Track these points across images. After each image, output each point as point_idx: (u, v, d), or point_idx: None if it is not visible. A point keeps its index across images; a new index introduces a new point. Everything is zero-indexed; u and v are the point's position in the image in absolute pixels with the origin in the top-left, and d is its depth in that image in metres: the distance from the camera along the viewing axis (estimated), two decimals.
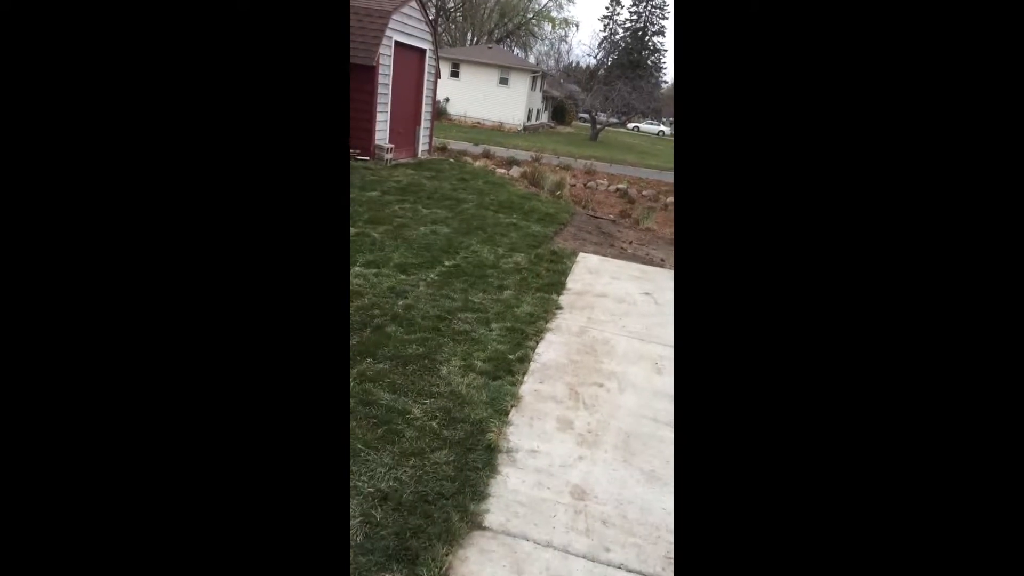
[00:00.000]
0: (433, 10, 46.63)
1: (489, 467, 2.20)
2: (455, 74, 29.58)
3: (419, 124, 10.88)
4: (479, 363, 3.02)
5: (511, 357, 3.14)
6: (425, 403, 2.57)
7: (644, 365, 3.30)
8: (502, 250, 5.20)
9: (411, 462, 2.16)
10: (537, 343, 3.38)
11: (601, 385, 3.00)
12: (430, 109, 11.23)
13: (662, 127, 46.34)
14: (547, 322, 3.71)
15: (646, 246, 6.80)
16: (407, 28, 9.56)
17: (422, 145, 11.14)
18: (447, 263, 4.58)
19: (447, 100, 28.90)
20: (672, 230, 12.25)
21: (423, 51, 10.38)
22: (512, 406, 2.67)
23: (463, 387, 2.76)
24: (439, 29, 47.01)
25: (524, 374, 3.00)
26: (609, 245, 6.38)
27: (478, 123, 29.20)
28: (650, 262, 5.89)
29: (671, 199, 16.43)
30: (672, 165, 24.13)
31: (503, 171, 14.60)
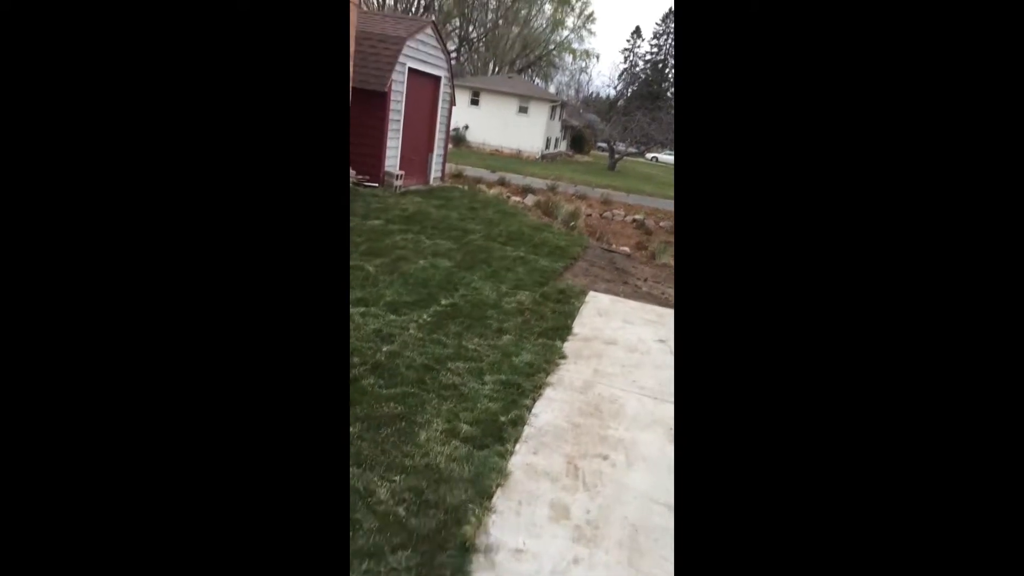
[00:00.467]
0: (456, 40, 47.60)
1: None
2: (475, 102, 29.86)
3: (432, 151, 10.70)
4: (465, 426, 2.62)
5: (503, 419, 2.73)
6: (394, 481, 2.17)
7: (657, 432, 2.87)
8: (506, 287, 4.83)
9: (363, 566, 1.76)
10: (535, 401, 2.98)
11: (606, 458, 2.57)
12: (444, 136, 11.05)
13: None
14: (548, 374, 3.30)
15: (662, 284, 6.38)
16: (422, 55, 9.43)
17: (435, 172, 10.94)
18: (444, 302, 4.21)
19: (466, 128, 29.14)
20: None
21: (438, 78, 10.25)
22: (498, 485, 2.26)
23: (442, 458, 2.36)
24: (461, 59, 47.90)
25: (516, 441, 2.59)
26: (622, 282, 5.98)
27: (497, 151, 29.31)
28: (666, 303, 5.46)
29: None
30: None
31: (518, 199, 14.36)
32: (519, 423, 2.74)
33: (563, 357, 3.58)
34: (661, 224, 15.95)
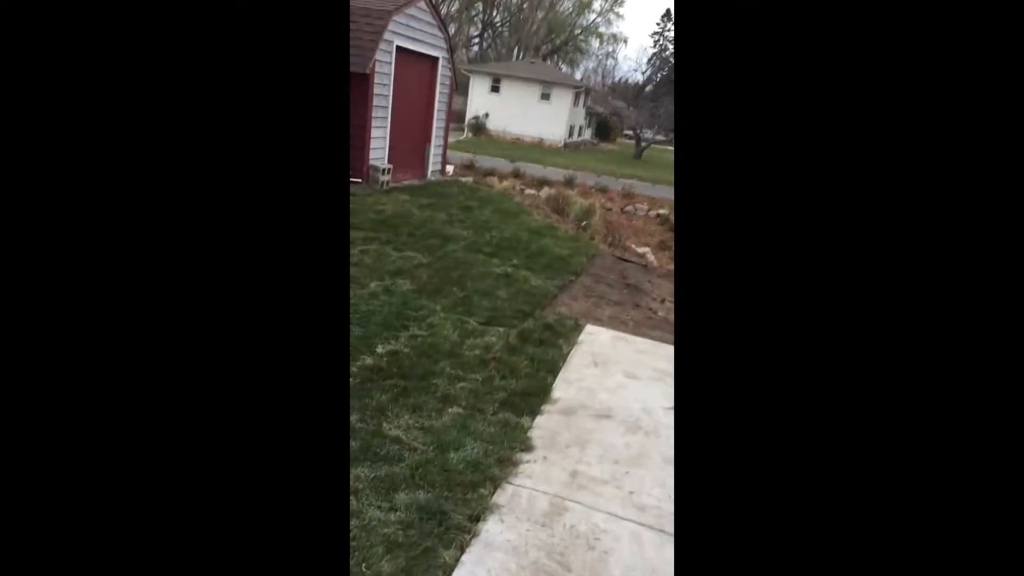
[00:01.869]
0: (480, 24, 46.25)
1: None
2: (495, 89, 28.74)
3: (430, 142, 9.60)
4: None
5: None
6: None
7: None
8: (475, 322, 3.72)
9: None
10: (462, 549, 1.87)
11: None
12: (444, 125, 9.94)
13: None
14: (497, 487, 2.19)
15: None
16: (413, 32, 8.30)
17: (433, 165, 9.85)
18: (380, 349, 3.12)
19: (486, 116, 28.05)
20: None
21: (435, 59, 9.12)
22: None
23: None
24: (485, 44, 46.57)
25: None
26: (633, 305, 4.80)
27: (518, 139, 28.11)
28: None
29: None
30: None
31: (532, 191, 13.18)
32: None
33: (528, 448, 2.46)
34: None
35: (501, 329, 3.64)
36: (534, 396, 2.87)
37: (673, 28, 51.05)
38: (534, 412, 2.74)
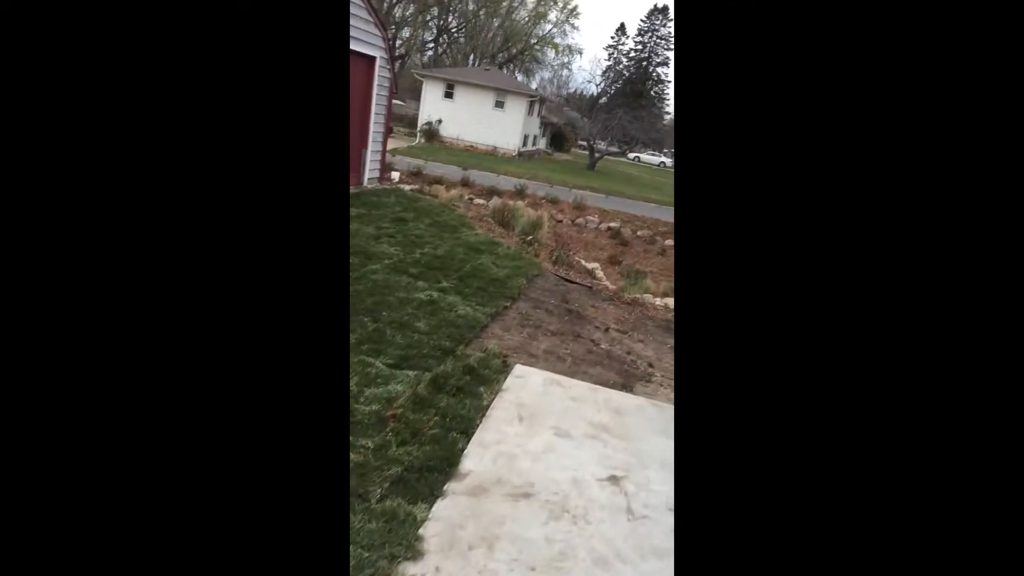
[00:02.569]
0: (435, 29, 45.58)
1: None
2: (449, 95, 28.23)
3: (366, 147, 8.92)
4: None
5: None
6: None
7: None
8: (383, 363, 3.12)
9: None
10: None
11: None
12: (382, 129, 9.29)
13: (663, 158, 45.00)
14: None
15: (630, 334, 4.73)
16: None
17: (370, 172, 9.16)
18: None
19: (439, 122, 27.48)
20: (672, 300, 10.18)
21: (372, 58, 8.47)
22: None
23: None
24: (439, 50, 45.95)
25: None
26: (574, 336, 4.31)
27: (471, 146, 27.60)
28: (632, 374, 3.80)
29: (670, 241, 14.44)
30: (672, 200, 22.28)
31: (481, 201, 12.64)
32: None
33: (417, 555, 1.87)
34: (638, 234, 14.34)
35: (412, 374, 3.06)
36: (437, 471, 2.29)
37: (629, 41, 51.88)
38: (434, 495, 2.16)
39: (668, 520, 2.22)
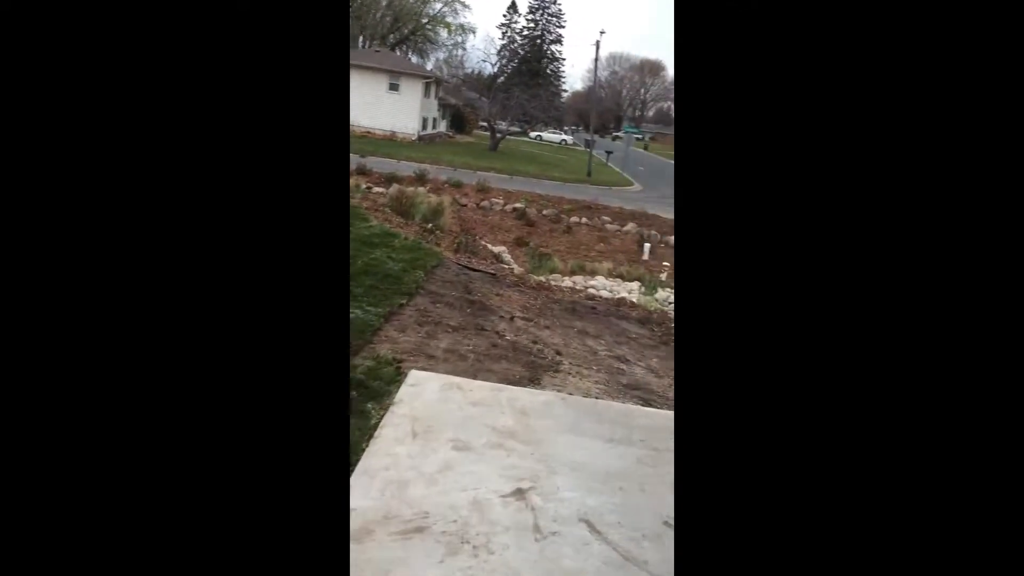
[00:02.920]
0: None
1: None
2: None
3: None
4: None
5: None
6: None
7: None
8: None
9: None
10: None
11: None
12: None
13: (565, 136, 45.66)
14: None
15: (536, 320, 4.54)
16: None
17: None
18: None
19: None
20: (582, 278, 10.24)
21: None
22: None
23: None
24: None
25: None
26: (477, 330, 4.04)
27: (368, 132, 26.41)
28: (539, 365, 3.60)
29: (575, 218, 14.55)
30: (576, 177, 22.69)
31: (381, 189, 12.00)
32: None
33: None
34: (544, 213, 14.33)
35: None
36: None
37: (521, 20, 51.76)
38: None
39: (579, 532, 2.02)
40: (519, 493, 2.21)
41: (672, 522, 2.10)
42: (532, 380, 3.39)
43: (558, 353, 3.89)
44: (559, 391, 3.28)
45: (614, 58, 67.69)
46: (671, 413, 3.10)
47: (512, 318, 4.43)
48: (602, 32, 55.90)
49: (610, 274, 9.97)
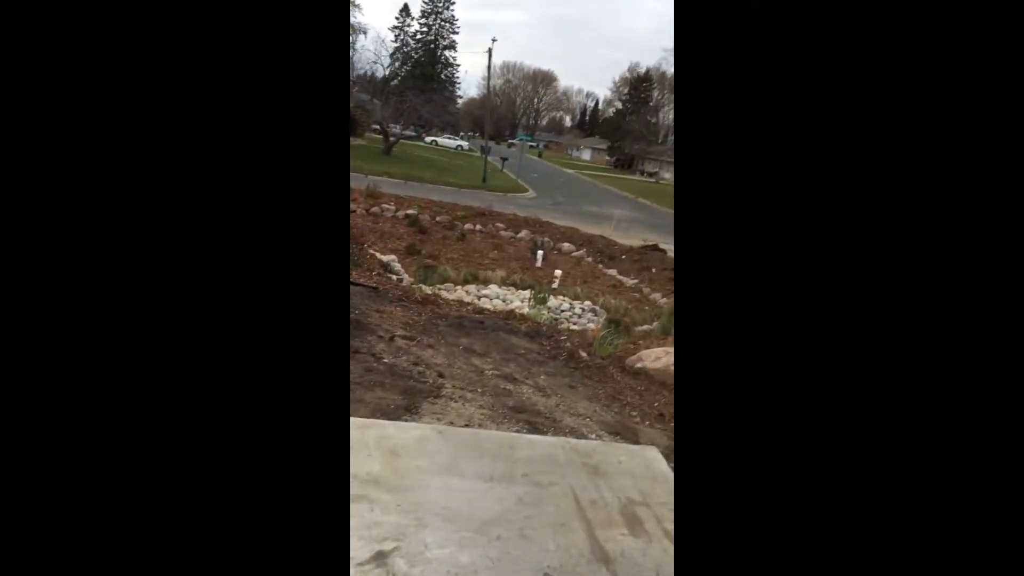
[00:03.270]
0: None
1: None
2: None
3: None
4: None
5: None
6: None
7: None
8: None
9: None
10: None
11: None
12: None
13: (461, 141, 45.58)
14: None
15: (419, 339, 4.23)
16: None
17: None
18: None
19: None
20: (475, 287, 10.02)
21: None
22: None
23: None
24: None
25: None
26: (351, 354, 3.65)
27: None
28: (418, 391, 3.30)
29: (469, 225, 14.35)
30: (471, 183, 22.50)
31: None
32: None
33: None
34: (437, 219, 13.98)
35: None
36: None
37: (414, 23, 51.02)
38: None
39: None
40: (380, 558, 1.90)
41: (552, 574, 1.91)
42: (409, 409, 3.09)
43: (440, 376, 3.61)
44: (439, 420, 3.01)
45: (508, 67, 68.83)
46: (556, 439, 2.94)
47: (392, 337, 4.09)
48: (494, 40, 56.50)
49: (503, 282, 9.85)
